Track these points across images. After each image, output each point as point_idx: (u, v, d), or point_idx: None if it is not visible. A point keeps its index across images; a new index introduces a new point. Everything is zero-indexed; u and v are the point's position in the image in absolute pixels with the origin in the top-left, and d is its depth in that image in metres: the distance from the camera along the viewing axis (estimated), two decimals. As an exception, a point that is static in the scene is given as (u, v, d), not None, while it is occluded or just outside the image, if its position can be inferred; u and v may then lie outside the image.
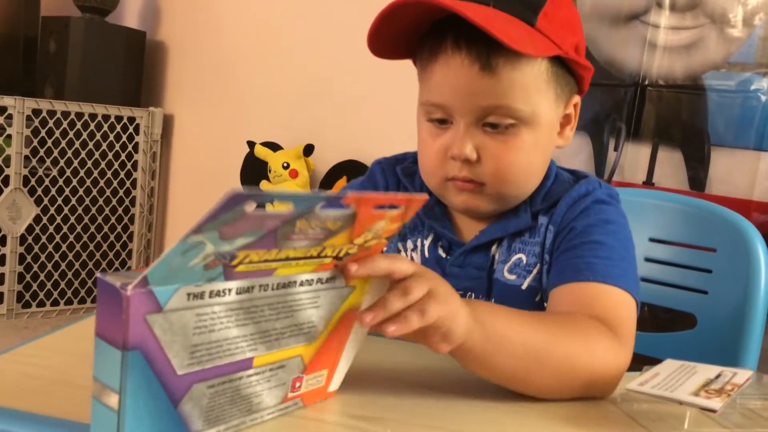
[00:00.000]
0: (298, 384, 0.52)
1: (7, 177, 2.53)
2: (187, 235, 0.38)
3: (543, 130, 0.74)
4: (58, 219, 2.68)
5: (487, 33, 0.64)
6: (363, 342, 0.57)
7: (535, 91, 0.72)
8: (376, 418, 0.54)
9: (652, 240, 1.05)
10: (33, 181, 2.60)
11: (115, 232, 2.85)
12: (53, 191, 2.65)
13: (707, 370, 0.61)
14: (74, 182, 2.69)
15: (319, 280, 0.50)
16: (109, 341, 0.40)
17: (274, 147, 2.63)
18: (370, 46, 0.72)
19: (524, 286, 0.77)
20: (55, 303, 2.72)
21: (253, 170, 2.67)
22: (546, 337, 0.61)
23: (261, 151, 2.62)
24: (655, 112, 1.87)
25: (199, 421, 0.45)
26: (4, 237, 2.56)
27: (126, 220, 2.88)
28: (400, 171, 0.86)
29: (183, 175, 3.07)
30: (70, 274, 2.73)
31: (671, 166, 1.84)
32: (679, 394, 0.55)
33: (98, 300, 0.41)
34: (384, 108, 2.53)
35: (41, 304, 2.68)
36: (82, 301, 2.78)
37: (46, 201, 2.64)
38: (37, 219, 2.63)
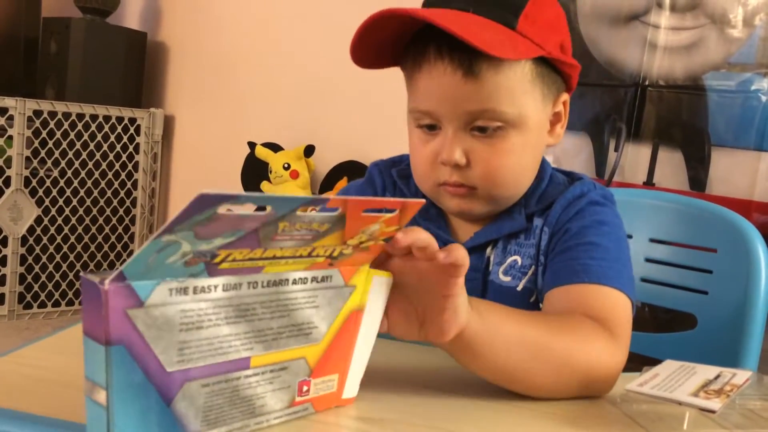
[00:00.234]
0: (305, 388, 0.52)
1: (9, 178, 2.53)
2: (159, 234, 0.38)
3: (532, 131, 0.74)
4: (59, 220, 2.68)
5: (466, 42, 0.64)
6: (372, 347, 0.56)
7: (521, 93, 0.72)
8: (376, 419, 0.54)
9: (652, 240, 1.06)
10: (34, 182, 2.60)
11: (116, 233, 2.86)
12: (54, 192, 2.65)
13: (707, 371, 0.61)
14: (75, 183, 2.70)
15: (314, 279, 0.50)
16: (93, 338, 0.41)
17: (274, 148, 2.63)
18: (354, 57, 0.72)
19: (519, 288, 0.77)
20: (57, 304, 2.72)
21: (254, 171, 2.67)
22: (542, 334, 0.61)
23: (262, 152, 2.62)
24: (655, 112, 1.87)
25: (196, 421, 0.45)
26: (6, 238, 2.57)
27: (127, 221, 2.89)
28: (395, 173, 0.86)
29: (184, 176, 3.07)
30: (71, 275, 2.73)
31: (671, 166, 1.83)
32: (678, 395, 0.55)
33: (83, 299, 0.41)
34: (385, 109, 2.53)
35: (42, 305, 2.68)
36: (84, 301, 2.79)
37: (47, 202, 2.64)
38: (39, 220, 2.63)
